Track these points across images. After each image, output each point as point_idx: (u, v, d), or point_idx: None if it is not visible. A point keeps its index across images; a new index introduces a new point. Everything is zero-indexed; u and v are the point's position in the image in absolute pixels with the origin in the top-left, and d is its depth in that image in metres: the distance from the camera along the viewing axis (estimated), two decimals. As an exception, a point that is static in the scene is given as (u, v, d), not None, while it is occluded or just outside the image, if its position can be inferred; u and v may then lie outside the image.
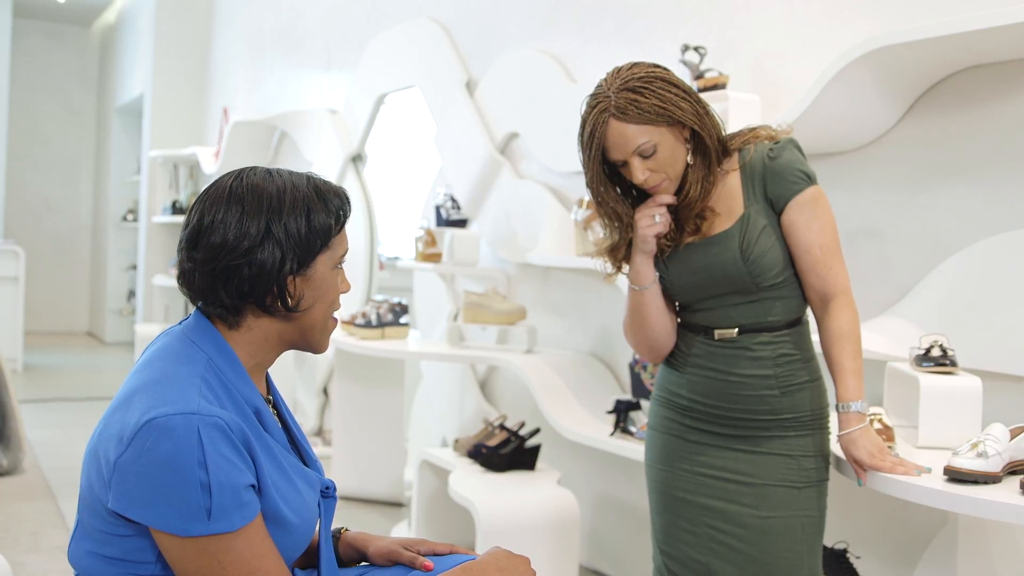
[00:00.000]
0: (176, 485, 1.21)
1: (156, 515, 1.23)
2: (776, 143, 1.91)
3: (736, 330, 1.92)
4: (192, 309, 1.44)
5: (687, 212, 1.91)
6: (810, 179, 1.90)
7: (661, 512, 2.03)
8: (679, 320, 2.03)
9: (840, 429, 1.87)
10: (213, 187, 1.38)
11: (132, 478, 1.23)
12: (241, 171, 1.40)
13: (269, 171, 1.40)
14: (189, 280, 1.37)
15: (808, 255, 1.89)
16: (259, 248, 1.33)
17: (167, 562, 1.28)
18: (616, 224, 1.97)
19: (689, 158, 1.88)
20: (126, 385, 1.33)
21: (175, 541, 1.24)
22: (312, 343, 1.45)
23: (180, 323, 1.41)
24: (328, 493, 1.47)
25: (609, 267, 2.03)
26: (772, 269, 1.90)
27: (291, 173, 1.41)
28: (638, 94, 1.80)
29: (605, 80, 1.86)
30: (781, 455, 1.91)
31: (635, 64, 1.86)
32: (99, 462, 1.28)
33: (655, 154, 1.83)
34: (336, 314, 1.48)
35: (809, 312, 1.98)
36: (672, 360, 2.02)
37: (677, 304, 2.02)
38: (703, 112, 1.86)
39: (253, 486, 1.29)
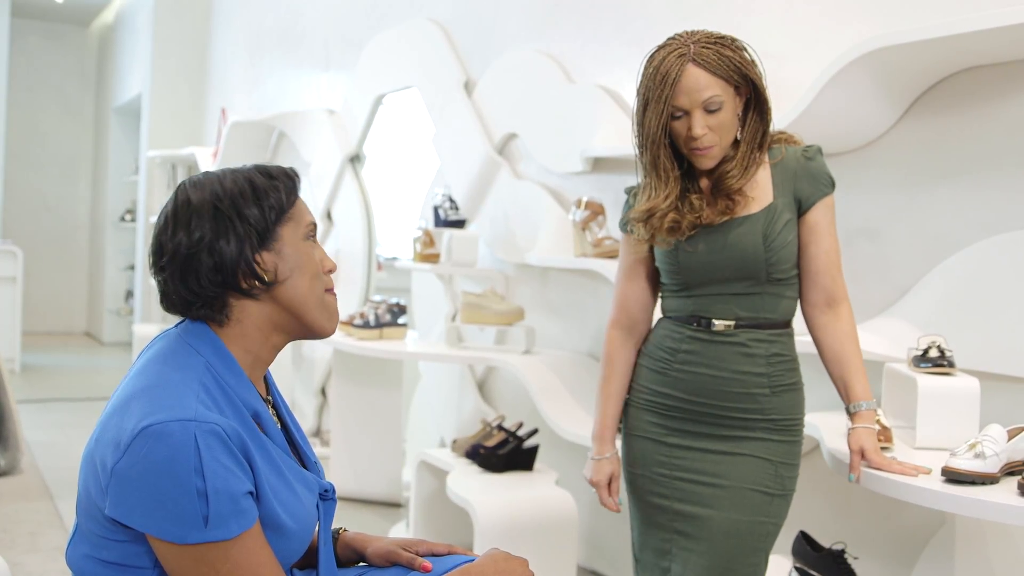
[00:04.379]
0: (173, 492, 1.21)
1: (153, 522, 1.22)
2: (809, 147, 1.97)
3: (733, 323, 1.92)
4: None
5: (724, 187, 1.90)
6: (833, 186, 1.95)
7: (637, 517, 2.03)
8: (665, 315, 2.01)
9: (853, 423, 1.89)
10: (160, 215, 1.39)
11: (129, 485, 1.22)
12: (176, 190, 1.40)
13: (202, 174, 1.41)
14: (168, 296, 1.38)
15: (827, 256, 1.93)
16: (217, 240, 1.33)
17: (164, 568, 1.27)
18: (662, 178, 1.90)
19: (739, 134, 1.90)
20: (123, 389, 1.32)
21: (172, 548, 1.24)
22: (307, 322, 1.42)
23: (176, 325, 1.41)
24: (327, 496, 1.47)
25: (642, 232, 1.94)
26: (787, 262, 1.92)
27: (227, 167, 1.42)
28: (722, 48, 1.84)
29: (680, 36, 1.88)
30: (761, 459, 1.90)
31: (710, 31, 1.89)
32: (96, 468, 1.28)
33: (718, 112, 1.84)
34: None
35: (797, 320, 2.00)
36: (654, 361, 2.00)
37: (668, 290, 2.00)
38: (765, 89, 1.89)
39: (251, 493, 1.28)
